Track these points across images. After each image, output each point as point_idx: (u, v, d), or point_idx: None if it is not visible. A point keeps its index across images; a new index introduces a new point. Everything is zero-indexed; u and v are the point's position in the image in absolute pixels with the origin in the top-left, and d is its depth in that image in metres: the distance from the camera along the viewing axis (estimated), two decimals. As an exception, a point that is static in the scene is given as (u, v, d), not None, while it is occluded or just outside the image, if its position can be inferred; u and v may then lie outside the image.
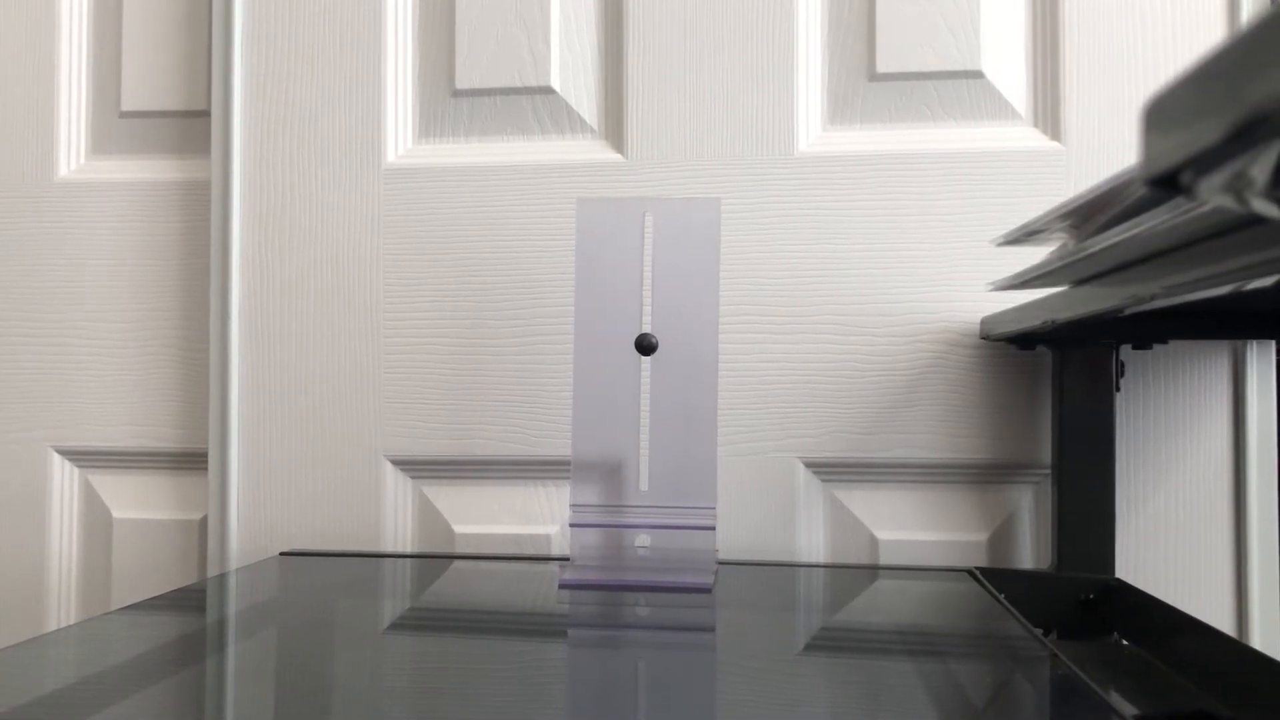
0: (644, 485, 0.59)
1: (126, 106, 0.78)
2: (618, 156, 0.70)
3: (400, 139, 0.73)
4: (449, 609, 0.58)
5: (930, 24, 0.68)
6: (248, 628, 0.53)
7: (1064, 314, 0.47)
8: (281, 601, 0.60)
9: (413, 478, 0.72)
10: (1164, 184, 0.20)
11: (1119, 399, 0.62)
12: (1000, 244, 0.49)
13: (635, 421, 0.58)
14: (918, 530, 0.68)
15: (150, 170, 0.78)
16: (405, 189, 0.72)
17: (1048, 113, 0.67)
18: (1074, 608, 0.61)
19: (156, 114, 0.78)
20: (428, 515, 0.72)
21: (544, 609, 0.55)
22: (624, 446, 0.58)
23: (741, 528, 0.68)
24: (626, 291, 0.58)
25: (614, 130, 0.71)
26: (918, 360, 0.67)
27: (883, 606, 0.61)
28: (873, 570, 0.67)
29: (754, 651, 0.49)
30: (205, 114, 0.76)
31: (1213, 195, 0.20)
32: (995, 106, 0.68)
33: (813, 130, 0.70)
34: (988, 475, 0.68)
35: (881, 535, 0.68)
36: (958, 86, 0.68)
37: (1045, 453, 0.66)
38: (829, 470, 0.69)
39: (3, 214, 0.78)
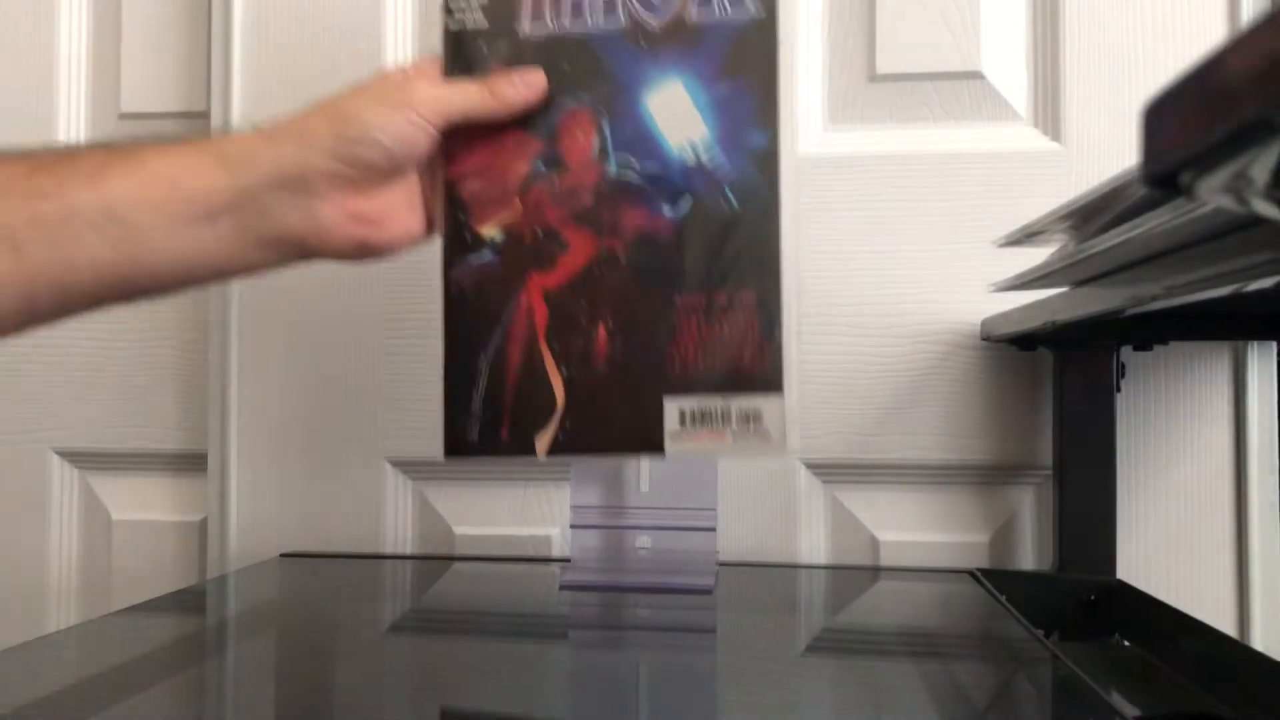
0: (644, 487, 0.59)
1: (126, 108, 0.78)
2: (618, 157, 0.70)
3: (400, 140, 0.73)
4: (449, 611, 0.58)
5: (930, 25, 0.68)
6: (248, 629, 0.53)
7: (1065, 315, 0.47)
8: (281, 603, 0.60)
9: (413, 479, 0.72)
10: (1164, 185, 0.20)
11: (1120, 400, 0.62)
12: (1001, 245, 0.49)
13: (635, 423, 0.58)
14: (919, 531, 0.68)
15: (150, 172, 0.77)
16: (405, 190, 0.72)
17: (1048, 113, 0.67)
18: (1075, 609, 0.61)
19: (156, 115, 0.78)
20: (428, 517, 0.72)
21: (545, 610, 0.55)
22: (624, 448, 0.58)
23: (742, 529, 0.68)
24: (627, 293, 0.58)
25: (614, 131, 0.71)
26: (919, 361, 0.67)
27: (884, 608, 0.61)
28: (874, 572, 0.67)
29: (755, 653, 0.49)
30: (204, 115, 0.76)
31: (1212, 196, 0.20)
32: (995, 107, 0.68)
33: (813, 131, 0.70)
34: (989, 476, 0.68)
35: (883, 536, 0.68)
36: (958, 87, 0.68)
37: (1046, 454, 0.66)
38: (830, 471, 0.69)
39: (3, 216, 0.78)
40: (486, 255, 0.53)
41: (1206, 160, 0.18)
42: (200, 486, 0.75)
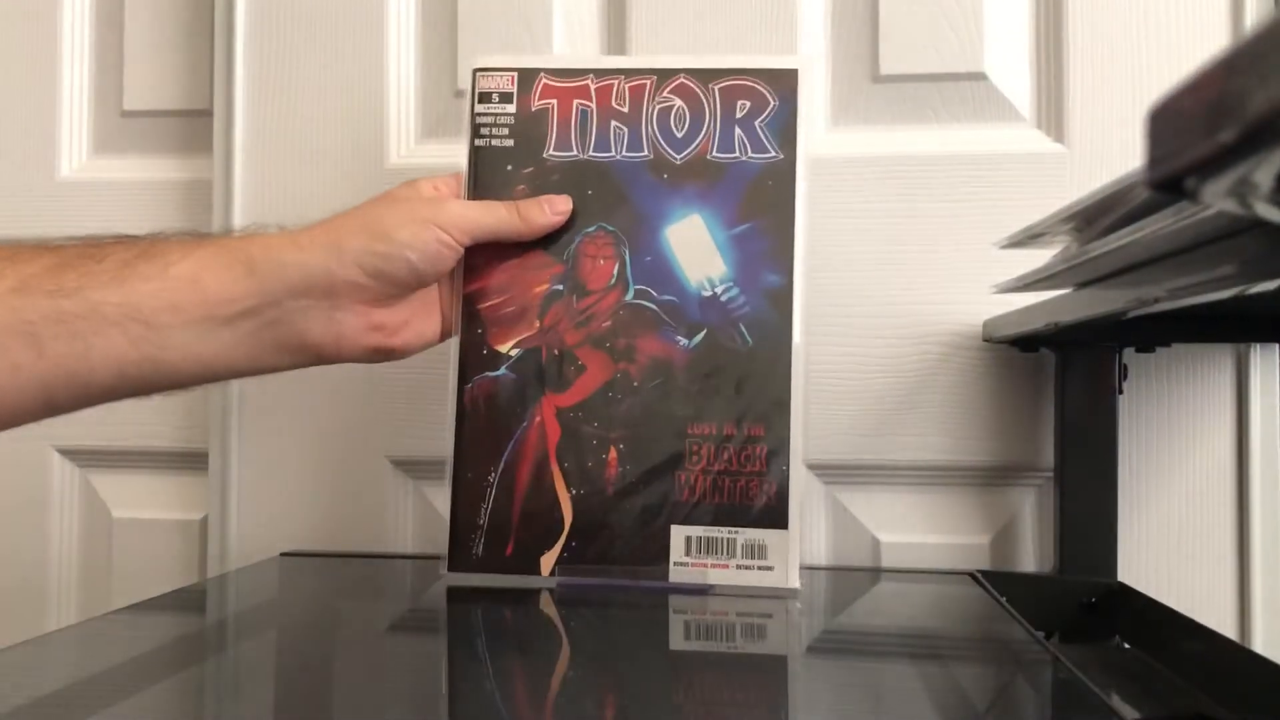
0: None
1: (129, 106, 0.78)
2: (620, 157, 0.70)
3: (402, 140, 0.73)
4: (449, 610, 0.58)
5: (934, 25, 0.68)
6: (248, 628, 0.53)
7: (1067, 317, 0.47)
8: (282, 602, 0.60)
9: (413, 478, 0.72)
10: (1168, 189, 0.20)
11: (1122, 402, 0.62)
12: (1004, 246, 0.49)
13: (636, 423, 0.58)
14: (920, 533, 0.68)
15: (152, 170, 0.77)
16: (407, 189, 0.72)
17: (1051, 115, 0.67)
18: (1076, 611, 0.61)
19: (159, 113, 0.78)
20: (428, 515, 0.72)
21: (543, 609, 0.55)
22: (625, 448, 0.58)
23: (743, 529, 0.68)
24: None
25: (616, 131, 0.71)
26: (920, 362, 0.67)
27: (885, 609, 0.60)
28: (875, 573, 0.67)
29: (754, 653, 0.49)
30: (207, 113, 0.76)
31: (1216, 200, 0.20)
32: (999, 108, 0.67)
33: (816, 132, 0.70)
34: (990, 478, 0.68)
35: (883, 538, 0.68)
36: (961, 88, 0.68)
37: (1048, 455, 0.66)
38: (831, 472, 0.69)
39: (4, 214, 0.78)
40: (502, 371, 0.54)
41: (1211, 165, 0.18)
42: (201, 485, 0.75)
